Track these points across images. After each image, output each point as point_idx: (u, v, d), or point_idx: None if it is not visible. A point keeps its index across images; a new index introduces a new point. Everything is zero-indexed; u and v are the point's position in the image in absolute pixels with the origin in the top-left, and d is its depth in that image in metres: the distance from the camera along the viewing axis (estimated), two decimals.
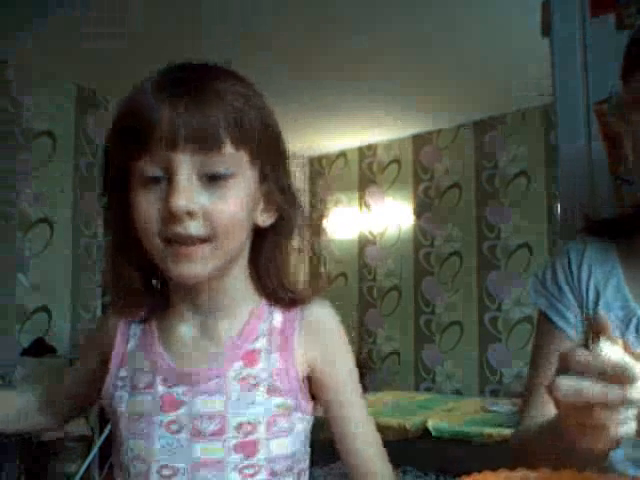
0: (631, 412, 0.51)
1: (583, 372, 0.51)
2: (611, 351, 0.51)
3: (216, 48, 3.78)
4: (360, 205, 5.79)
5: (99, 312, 4.19)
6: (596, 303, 0.81)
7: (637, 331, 0.77)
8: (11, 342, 3.76)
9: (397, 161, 5.60)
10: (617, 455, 0.74)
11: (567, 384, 0.51)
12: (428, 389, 5.16)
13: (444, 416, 3.81)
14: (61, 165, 4.13)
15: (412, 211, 5.45)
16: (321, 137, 5.50)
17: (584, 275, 0.83)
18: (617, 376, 0.50)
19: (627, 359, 0.50)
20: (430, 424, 3.50)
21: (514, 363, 4.76)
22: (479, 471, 0.57)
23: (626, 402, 0.50)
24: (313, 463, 0.86)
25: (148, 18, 3.43)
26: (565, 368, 0.53)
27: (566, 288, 0.84)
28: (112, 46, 3.74)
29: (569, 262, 0.85)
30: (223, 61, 0.81)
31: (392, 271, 5.49)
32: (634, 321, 0.78)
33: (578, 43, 1.12)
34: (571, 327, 0.82)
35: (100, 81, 4.23)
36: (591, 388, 0.50)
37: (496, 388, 4.86)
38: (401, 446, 3.51)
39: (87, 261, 4.18)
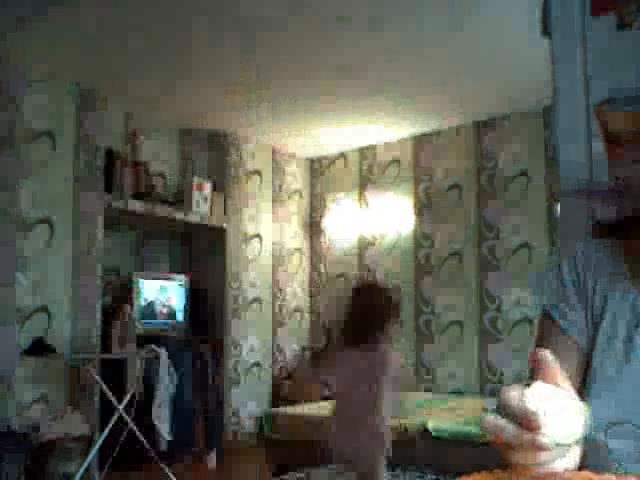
0: (545, 456, 0.53)
1: (507, 412, 0.53)
2: (538, 394, 0.53)
3: (216, 49, 3.79)
4: (360, 206, 5.79)
5: (99, 312, 4.19)
6: (603, 306, 0.80)
7: None
8: (11, 342, 3.76)
9: (397, 162, 5.59)
10: (621, 451, 0.73)
11: (489, 421, 0.53)
12: (428, 389, 5.16)
13: (444, 416, 3.81)
14: (61, 165, 4.14)
15: (412, 211, 5.45)
16: (321, 138, 5.50)
17: (590, 276, 0.82)
18: (528, 422, 0.51)
19: (542, 406, 0.52)
20: (430, 424, 3.49)
21: (514, 363, 4.76)
22: (478, 471, 0.57)
23: (536, 447, 0.52)
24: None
25: (148, 18, 3.43)
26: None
27: (572, 289, 0.83)
28: (112, 46, 3.74)
29: (575, 262, 0.84)
30: None
31: (392, 271, 5.49)
32: None
33: (578, 43, 1.12)
34: (575, 328, 0.81)
35: (100, 81, 4.23)
36: (507, 430, 0.52)
37: (496, 388, 4.86)
38: (401, 446, 3.51)
39: (87, 261, 4.17)
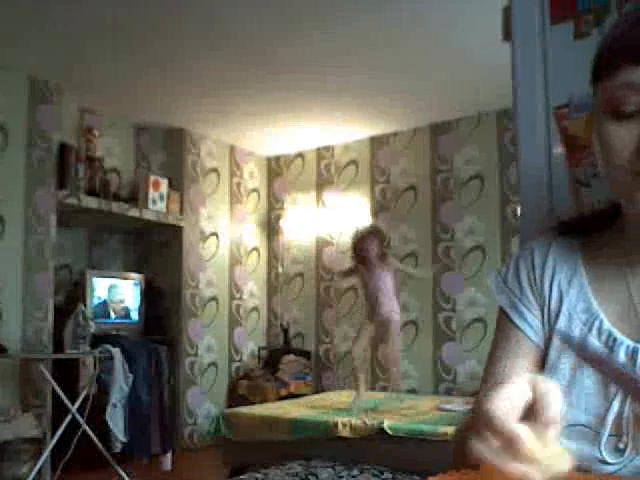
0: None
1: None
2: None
3: (174, 44, 3.74)
4: (318, 205, 5.81)
5: (51, 311, 4.09)
6: (559, 306, 0.80)
7: (599, 334, 0.76)
8: None
9: (355, 162, 5.63)
10: (576, 452, 0.74)
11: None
12: (384, 388, 5.20)
13: (400, 415, 3.85)
14: (13, 160, 4.02)
15: (369, 212, 5.49)
16: (280, 137, 5.50)
17: (547, 275, 0.82)
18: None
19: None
20: (386, 423, 3.52)
21: (468, 362, 4.85)
22: (444, 471, 0.57)
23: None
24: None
25: (101, 10, 3.37)
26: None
27: (528, 288, 0.82)
28: (67, 38, 3.67)
29: (532, 260, 0.83)
30: None
31: None
32: (596, 324, 0.77)
33: (539, 49, 1.15)
34: (530, 328, 0.81)
35: (54, 73, 4.13)
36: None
37: (450, 387, 4.94)
38: (358, 445, 3.54)
39: (39, 259, 4.07)
